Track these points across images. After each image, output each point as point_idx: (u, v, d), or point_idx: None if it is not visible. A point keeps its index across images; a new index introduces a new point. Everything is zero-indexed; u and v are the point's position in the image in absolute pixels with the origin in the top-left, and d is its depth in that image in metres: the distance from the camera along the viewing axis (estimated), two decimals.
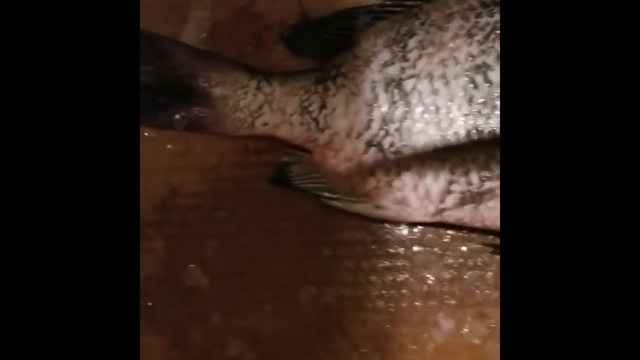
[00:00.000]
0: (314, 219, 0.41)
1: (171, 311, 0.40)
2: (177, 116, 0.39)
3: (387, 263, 0.40)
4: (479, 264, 0.39)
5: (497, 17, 0.36)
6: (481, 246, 0.39)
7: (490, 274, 0.39)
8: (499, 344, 0.37)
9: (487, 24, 0.36)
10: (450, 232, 0.40)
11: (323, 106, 0.38)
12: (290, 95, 0.38)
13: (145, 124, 0.40)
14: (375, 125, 0.37)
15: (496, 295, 0.39)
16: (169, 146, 0.41)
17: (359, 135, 0.38)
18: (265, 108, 0.38)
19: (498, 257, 0.39)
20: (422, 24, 0.38)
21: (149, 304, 0.40)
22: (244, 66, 0.39)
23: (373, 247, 0.40)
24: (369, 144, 0.37)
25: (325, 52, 0.39)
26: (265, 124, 0.39)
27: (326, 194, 0.39)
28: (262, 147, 0.41)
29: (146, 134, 0.41)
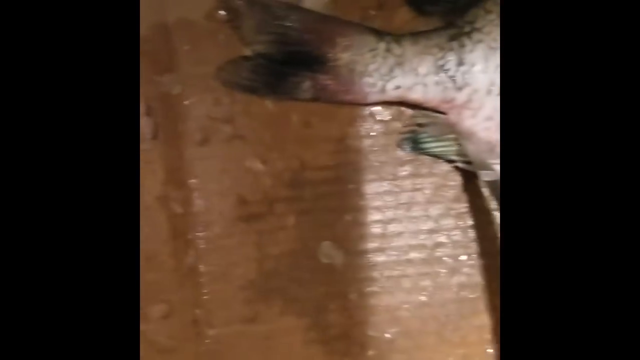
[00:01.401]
0: (449, 187, 0.39)
1: (307, 290, 0.39)
2: (302, 85, 0.37)
3: None
4: None
5: None
6: None
7: None
8: None
9: None
10: None
11: (461, 63, 0.36)
12: (423, 55, 0.36)
13: (268, 95, 0.38)
14: None
15: None
16: (294, 118, 0.39)
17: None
18: (396, 70, 0.36)
19: None
20: None
21: (285, 283, 0.39)
22: (371, 29, 0.37)
23: None
24: None
25: (453, 10, 0.37)
26: (397, 87, 0.37)
27: (462, 158, 0.37)
28: (391, 115, 0.39)
29: (269, 107, 0.39)
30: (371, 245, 0.39)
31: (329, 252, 0.39)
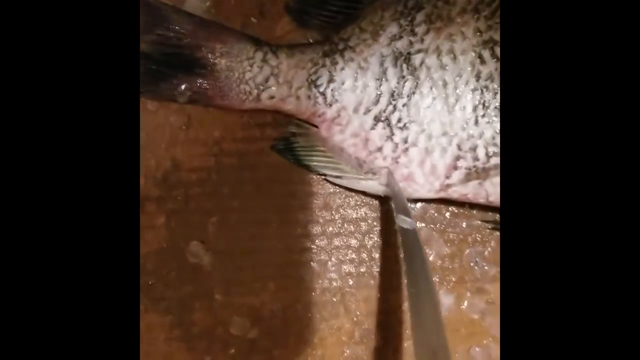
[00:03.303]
0: (318, 195, 0.40)
1: (173, 289, 0.39)
2: (180, 88, 0.38)
3: (389, 240, 0.40)
4: (479, 240, 0.40)
5: None
6: (481, 222, 0.40)
7: (489, 250, 0.40)
8: (497, 319, 0.37)
9: None
10: (451, 208, 0.40)
11: (331, 80, 0.37)
12: (297, 69, 0.37)
13: (146, 95, 0.38)
14: (383, 100, 0.37)
15: (495, 270, 0.39)
16: (171, 119, 0.40)
17: (367, 111, 0.37)
18: (271, 81, 0.37)
19: (497, 233, 0.39)
20: None
21: (151, 282, 0.39)
22: (250, 37, 0.38)
23: (375, 224, 0.40)
24: (377, 119, 0.37)
25: (332, 24, 0.38)
26: (272, 97, 0.38)
27: (331, 172, 0.39)
28: (266, 121, 0.40)
29: (148, 106, 0.39)
30: (239, 246, 0.40)
31: (197, 252, 0.39)
